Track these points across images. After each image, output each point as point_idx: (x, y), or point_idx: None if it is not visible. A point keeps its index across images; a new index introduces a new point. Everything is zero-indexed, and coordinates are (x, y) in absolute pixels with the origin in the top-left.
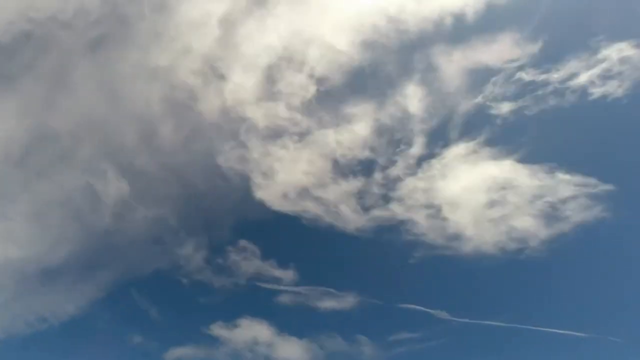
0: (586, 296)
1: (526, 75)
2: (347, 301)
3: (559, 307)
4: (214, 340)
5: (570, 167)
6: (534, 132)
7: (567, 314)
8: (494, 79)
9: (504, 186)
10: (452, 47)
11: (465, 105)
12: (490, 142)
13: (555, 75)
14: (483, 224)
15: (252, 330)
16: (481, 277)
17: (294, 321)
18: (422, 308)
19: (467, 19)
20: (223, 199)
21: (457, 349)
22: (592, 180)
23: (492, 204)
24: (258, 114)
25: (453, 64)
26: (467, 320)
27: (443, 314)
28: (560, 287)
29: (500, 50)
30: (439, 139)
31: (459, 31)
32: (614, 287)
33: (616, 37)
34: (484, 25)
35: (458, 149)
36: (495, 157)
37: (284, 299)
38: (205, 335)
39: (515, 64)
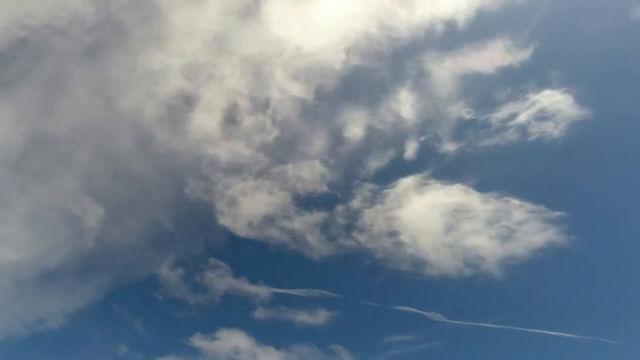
0: (579, 298)
1: (468, 115)
2: (339, 305)
3: (553, 309)
4: (195, 351)
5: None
6: (481, 166)
7: (561, 316)
8: (438, 118)
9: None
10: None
11: (415, 140)
12: (441, 175)
13: (497, 115)
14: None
15: (233, 341)
16: (475, 279)
17: (278, 329)
18: (416, 310)
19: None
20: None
21: (451, 351)
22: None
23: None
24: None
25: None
26: (461, 322)
27: (437, 316)
28: (554, 289)
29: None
30: (393, 172)
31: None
32: (609, 289)
33: (545, 84)
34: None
35: (409, 181)
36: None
37: (270, 306)
38: (187, 347)
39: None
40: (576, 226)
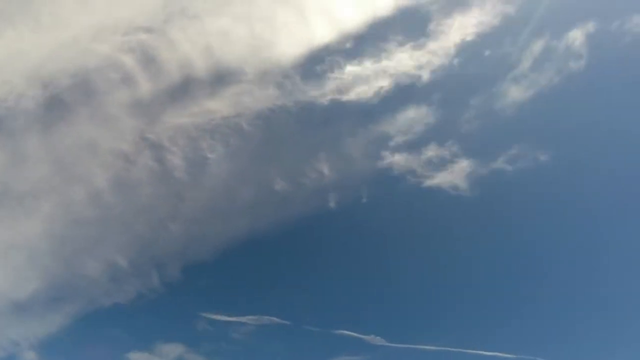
0: (515, 318)
1: None
2: (277, 327)
3: (490, 330)
4: None
5: None
6: None
7: (497, 336)
8: None
9: None
10: None
11: None
12: None
13: None
14: None
15: None
16: (413, 302)
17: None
18: (356, 334)
19: None
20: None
21: None
22: None
23: None
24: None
25: None
26: (400, 345)
27: (377, 340)
28: (490, 309)
29: None
30: None
31: None
32: (544, 309)
33: None
34: None
35: None
36: None
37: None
38: None
39: None
40: None
